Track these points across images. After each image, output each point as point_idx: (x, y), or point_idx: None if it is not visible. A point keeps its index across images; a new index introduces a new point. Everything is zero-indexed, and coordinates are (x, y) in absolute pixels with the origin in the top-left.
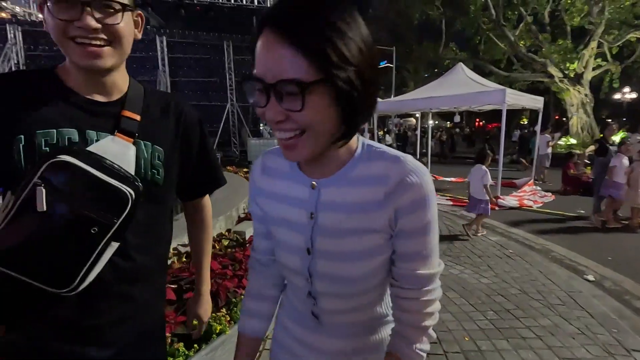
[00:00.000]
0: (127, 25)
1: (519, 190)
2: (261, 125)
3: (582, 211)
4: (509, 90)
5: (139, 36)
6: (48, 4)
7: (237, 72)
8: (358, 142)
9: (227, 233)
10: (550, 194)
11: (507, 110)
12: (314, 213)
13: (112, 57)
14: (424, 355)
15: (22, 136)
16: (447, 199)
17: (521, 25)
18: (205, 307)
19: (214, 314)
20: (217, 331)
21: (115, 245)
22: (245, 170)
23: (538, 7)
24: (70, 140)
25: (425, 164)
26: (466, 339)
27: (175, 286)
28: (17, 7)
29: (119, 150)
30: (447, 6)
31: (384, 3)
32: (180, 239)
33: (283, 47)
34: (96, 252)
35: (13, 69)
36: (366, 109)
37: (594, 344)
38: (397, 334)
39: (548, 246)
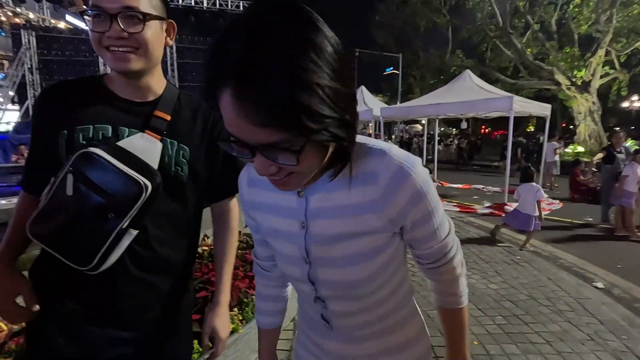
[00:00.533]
0: (153, 33)
1: None
2: None
3: (590, 219)
4: (516, 98)
5: (170, 43)
6: (88, 19)
7: None
8: None
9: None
10: (558, 201)
11: (514, 118)
12: (304, 222)
13: (138, 61)
14: (464, 293)
15: (65, 131)
16: (453, 205)
17: (528, 33)
18: (224, 321)
19: (234, 310)
20: (230, 330)
21: (133, 232)
22: None
23: (545, 15)
24: (104, 135)
25: (432, 171)
26: (475, 343)
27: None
28: (30, 13)
29: (145, 146)
30: (454, 14)
31: (390, 10)
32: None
33: (254, 128)
34: (112, 235)
35: (26, 73)
36: (352, 129)
37: (604, 350)
38: (442, 292)
39: (556, 253)
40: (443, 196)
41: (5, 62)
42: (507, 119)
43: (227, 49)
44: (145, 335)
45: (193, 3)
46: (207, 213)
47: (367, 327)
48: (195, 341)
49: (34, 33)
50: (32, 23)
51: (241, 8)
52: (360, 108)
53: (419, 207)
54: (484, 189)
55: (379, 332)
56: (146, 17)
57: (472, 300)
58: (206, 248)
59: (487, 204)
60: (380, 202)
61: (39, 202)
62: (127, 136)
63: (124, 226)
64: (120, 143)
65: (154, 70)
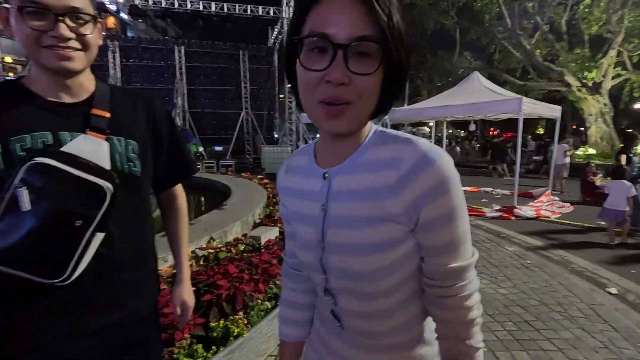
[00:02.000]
0: (95, 34)
1: (536, 201)
2: (275, 134)
3: (603, 223)
4: (525, 99)
5: (101, 42)
6: (21, 14)
7: (252, 80)
8: (371, 129)
9: (243, 238)
10: (568, 204)
11: (523, 119)
12: (324, 204)
13: (82, 61)
14: (481, 347)
15: None
16: None
17: (537, 34)
18: (189, 293)
19: (231, 317)
20: (235, 334)
21: (100, 235)
22: (259, 177)
23: (554, 16)
24: (44, 143)
25: None
26: (484, 349)
27: (194, 288)
28: None
29: (92, 148)
30: (462, 16)
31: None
32: (197, 242)
33: (362, 8)
34: (83, 242)
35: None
36: (401, 89)
37: (618, 358)
38: (445, 336)
39: (567, 258)
40: None
41: (19, 67)
42: (516, 120)
43: None
44: (116, 330)
45: (201, 7)
46: (213, 216)
47: (376, 338)
48: (200, 345)
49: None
50: None
51: (249, 12)
52: None
53: (436, 203)
54: (493, 192)
55: (389, 347)
56: (93, 19)
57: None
58: (212, 251)
59: (496, 207)
60: (397, 186)
61: None
62: (70, 140)
63: (92, 230)
64: (64, 149)
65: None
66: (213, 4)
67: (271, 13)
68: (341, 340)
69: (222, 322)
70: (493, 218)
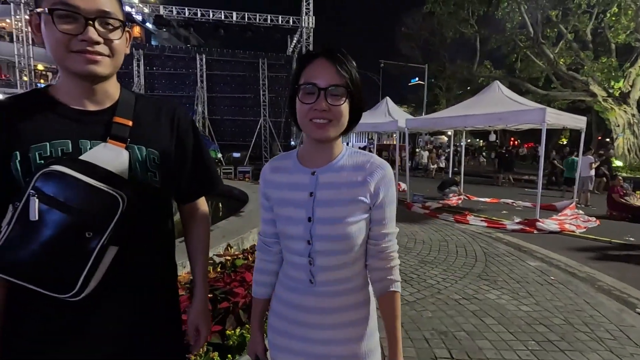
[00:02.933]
0: (123, 40)
1: (560, 214)
2: (291, 141)
3: (632, 239)
4: (549, 109)
5: (128, 51)
6: (53, 18)
7: (270, 88)
8: (343, 145)
9: None
10: (594, 218)
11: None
12: (313, 192)
13: (109, 67)
14: (397, 280)
15: (17, 152)
16: (481, 220)
17: (561, 42)
18: (205, 317)
19: (247, 326)
20: (210, 323)
21: (114, 249)
22: None
23: (579, 24)
24: (63, 152)
25: (458, 183)
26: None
27: (211, 295)
28: None
29: (111, 156)
30: (482, 24)
31: (416, 21)
32: (215, 249)
33: (333, 68)
34: (93, 256)
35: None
36: (359, 116)
37: None
38: (376, 282)
39: (594, 275)
40: (469, 210)
41: (49, 74)
42: (538, 131)
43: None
44: (134, 344)
45: (223, 17)
46: (231, 223)
47: (343, 283)
48: (216, 353)
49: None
50: None
51: (269, 21)
52: (384, 119)
53: (387, 192)
54: (514, 204)
55: (350, 290)
56: (122, 25)
57: (502, 322)
58: (229, 258)
59: (517, 220)
60: (365, 181)
61: None
62: (90, 149)
63: (104, 243)
64: (83, 157)
65: (113, 75)
66: (234, 14)
67: (290, 22)
68: (313, 294)
69: (238, 330)
70: (514, 231)
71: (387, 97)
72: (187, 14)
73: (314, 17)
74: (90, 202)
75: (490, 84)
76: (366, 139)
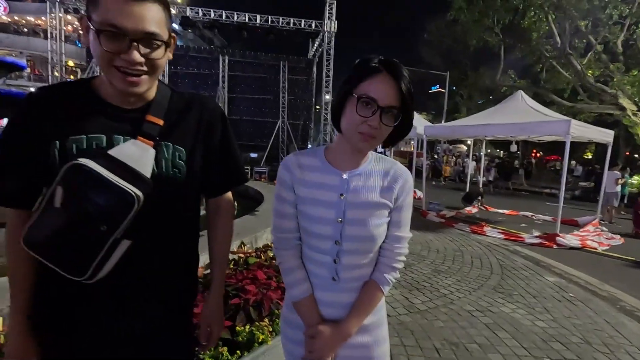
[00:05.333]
0: (166, 55)
1: (581, 230)
2: (308, 144)
3: None
4: (574, 122)
5: (171, 57)
6: (99, 36)
7: (290, 91)
8: (370, 152)
9: (272, 244)
10: (618, 236)
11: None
12: (343, 194)
13: (147, 83)
14: (391, 282)
15: (58, 142)
16: (498, 232)
17: (590, 54)
18: (219, 315)
19: (257, 323)
20: (260, 340)
21: (127, 242)
22: None
23: (609, 35)
24: (97, 145)
25: (482, 195)
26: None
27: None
28: None
29: (137, 153)
30: (507, 33)
31: (439, 28)
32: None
33: (396, 89)
34: (105, 247)
35: None
36: (405, 134)
37: None
38: (376, 270)
39: (616, 294)
40: (487, 221)
41: (79, 70)
42: (561, 143)
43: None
44: (138, 343)
45: (247, 19)
46: (245, 221)
47: (364, 278)
48: (225, 348)
49: None
50: None
51: (291, 25)
52: None
53: (406, 196)
54: (533, 217)
55: (363, 283)
56: (165, 44)
57: (516, 337)
58: (242, 256)
59: (537, 233)
60: (391, 185)
61: (30, 215)
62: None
63: (118, 237)
64: (111, 152)
65: None
66: (258, 16)
67: (313, 26)
68: (334, 290)
69: (247, 327)
70: (532, 245)
71: None
72: (212, 15)
73: (336, 22)
74: (108, 197)
75: (514, 94)
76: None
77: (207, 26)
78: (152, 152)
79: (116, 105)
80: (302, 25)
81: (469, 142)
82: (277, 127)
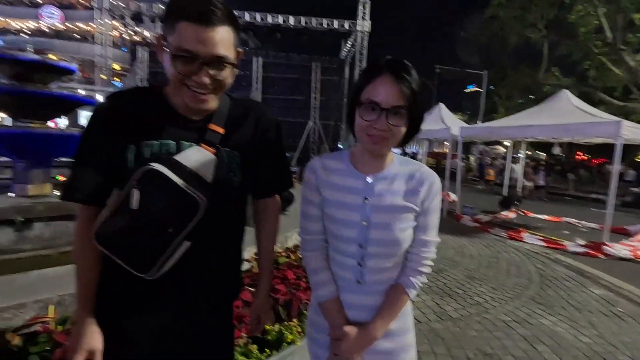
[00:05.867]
0: (231, 75)
1: (632, 239)
2: (339, 144)
3: None
4: (626, 122)
5: (237, 72)
6: (173, 59)
7: (322, 91)
8: (393, 155)
9: None
10: None
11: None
12: (367, 198)
13: (214, 101)
14: (418, 286)
15: (133, 145)
16: (538, 239)
17: None
18: (268, 308)
19: (286, 323)
20: (289, 340)
21: (187, 244)
22: None
23: None
24: (168, 151)
25: (520, 200)
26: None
27: (253, 290)
28: (146, 31)
29: (201, 159)
30: (551, 29)
31: (476, 25)
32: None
33: (397, 88)
34: (170, 248)
35: (139, 83)
36: (416, 131)
37: None
38: (402, 274)
39: None
40: (525, 227)
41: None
42: (610, 145)
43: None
44: (196, 340)
45: (281, 21)
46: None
47: (388, 282)
48: (255, 346)
49: (147, 49)
50: (147, 40)
51: (324, 25)
52: (436, 126)
53: (433, 200)
54: (578, 224)
55: (388, 286)
56: (233, 65)
57: (556, 352)
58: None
59: (581, 242)
60: (416, 189)
61: (98, 212)
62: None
63: (181, 239)
64: (177, 157)
65: None
66: (292, 18)
67: (346, 26)
68: (359, 293)
69: (277, 326)
70: (576, 254)
71: (441, 104)
72: (247, 17)
73: (370, 22)
74: (177, 202)
75: (558, 93)
76: (416, 146)
77: (242, 28)
78: (214, 158)
79: (184, 115)
80: (335, 26)
81: (506, 143)
82: (308, 127)
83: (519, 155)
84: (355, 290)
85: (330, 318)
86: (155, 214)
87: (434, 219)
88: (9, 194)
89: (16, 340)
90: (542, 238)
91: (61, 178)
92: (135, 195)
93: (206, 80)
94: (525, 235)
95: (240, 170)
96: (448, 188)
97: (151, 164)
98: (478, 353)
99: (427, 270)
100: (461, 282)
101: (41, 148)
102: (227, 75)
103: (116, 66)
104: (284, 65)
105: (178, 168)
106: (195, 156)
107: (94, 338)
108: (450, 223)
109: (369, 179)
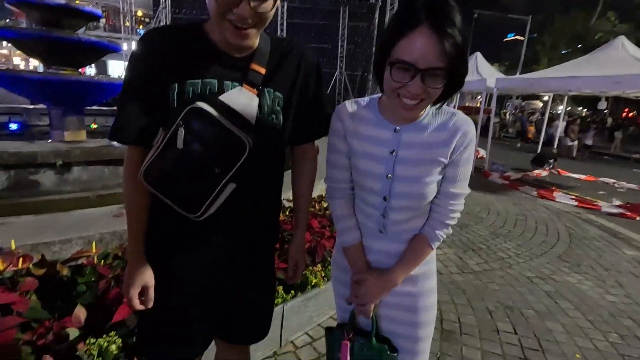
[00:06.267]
0: (272, 9)
1: None
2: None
3: None
4: None
5: (279, 4)
6: None
7: (349, 39)
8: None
9: (326, 194)
10: None
11: None
12: (394, 150)
13: (255, 36)
14: (442, 238)
15: (176, 84)
16: (571, 198)
17: None
18: (303, 253)
19: (310, 268)
20: (312, 283)
21: (232, 185)
22: None
23: None
24: (210, 90)
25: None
26: (577, 356)
27: (280, 236)
28: None
29: (244, 100)
30: None
31: None
32: (285, 194)
33: (438, 46)
34: (217, 189)
35: None
36: (456, 90)
37: None
38: (427, 225)
39: None
40: (558, 186)
41: (147, 20)
42: None
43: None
44: (241, 280)
45: None
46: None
47: (412, 232)
48: (281, 287)
49: None
50: None
51: None
52: (471, 77)
53: (464, 150)
54: (615, 184)
55: (410, 237)
56: None
57: (580, 309)
58: None
59: (617, 203)
60: (448, 141)
61: (145, 153)
62: (228, 91)
63: (227, 180)
64: (222, 97)
65: None
66: None
67: None
68: (382, 239)
69: None
70: (610, 214)
71: (478, 53)
72: None
73: None
74: (223, 142)
75: (612, 40)
76: None
77: None
78: (257, 100)
79: (226, 52)
80: None
81: (545, 98)
82: (334, 78)
83: (558, 111)
84: (377, 237)
85: (352, 262)
86: (201, 154)
87: (465, 171)
88: (49, 141)
89: (65, 271)
90: (575, 197)
91: (94, 125)
92: (181, 134)
93: (248, 12)
94: (558, 195)
95: (282, 113)
96: (478, 144)
97: (198, 102)
98: (499, 306)
99: (453, 222)
100: (485, 238)
101: (73, 95)
102: (269, 7)
103: (139, 12)
104: (310, 11)
105: (223, 108)
106: (239, 97)
107: (146, 275)
108: (479, 180)
109: (397, 130)
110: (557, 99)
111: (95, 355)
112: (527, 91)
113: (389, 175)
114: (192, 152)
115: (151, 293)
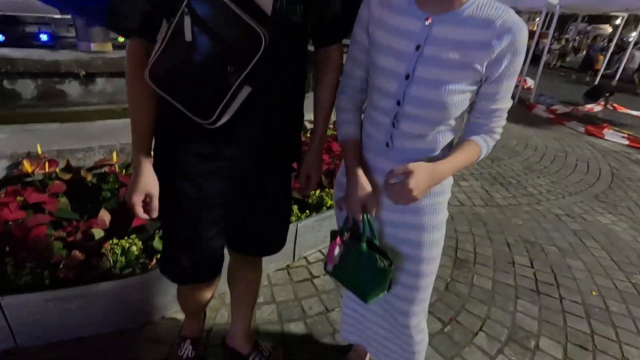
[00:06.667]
0: None
1: None
2: None
3: None
4: None
5: None
6: None
7: None
8: None
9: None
10: None
11: None
12: (421, 45)
13: None
14: (487, 151)
15: None
16: (622, 137)
17: None
18: (318, 165)
19: (327, 190)
20: (328, 205)
21: (248, 89)
22: None
23: None
24: None
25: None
26: (593, 293)
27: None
28: None
29: None
30: None
31: None
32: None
33: None
34: (231, 91)
35: None
36: None
37: None
38: (471, 133)
39: None
40: (611, 122)
41: None
42: None
43: None
44: (253, 202)
45: None
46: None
47: (419, 154)
48: (296, 206)
49: None
50: None
51: None
52: None
53: (511, 63)
54: None
55: (425, 161)
56: None
57: (606, 248)
58: None
59: None
60: (490, 43)
61: (150, 50)
62: None
63: (241, 81)
64: None
65: None
66: None
67: None
68: (387, 157)
69: (318, 192)
70: None
71: None
72: None
73: None
74: (236, 34)
75: None
76: None
77: None
78: None
79: None
80: None
81: (617, 21)
82: None
83: (630, 38)
84: (382, 153)
85: (346, 158)
86: (211, 49)
87: (509, 86)
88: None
89: (90, 177)
90: (627, 136)
91: (122, 39)
92: (187, 23)
93: None
94: (608, 132)
95: (302, 5)
96: (526, 73)
97: None
98: (519, 240)
99: (497, 137)
100: (517, 173)
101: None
102: None
103: None
104: None
105: None
106: None
107: (149, 183)
108: (521, 112)
109: (428, 21)
110: (631, 22)
111: (119, 254)
112: (597, 10)
113: (408, 74)
114: (201, 45)
115: (155, 202)
